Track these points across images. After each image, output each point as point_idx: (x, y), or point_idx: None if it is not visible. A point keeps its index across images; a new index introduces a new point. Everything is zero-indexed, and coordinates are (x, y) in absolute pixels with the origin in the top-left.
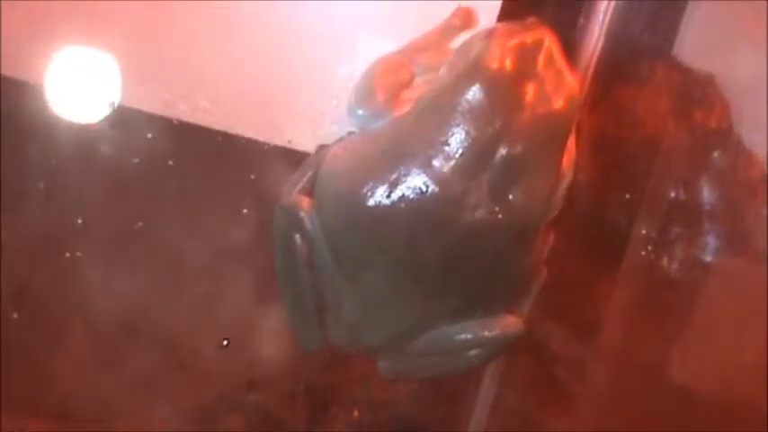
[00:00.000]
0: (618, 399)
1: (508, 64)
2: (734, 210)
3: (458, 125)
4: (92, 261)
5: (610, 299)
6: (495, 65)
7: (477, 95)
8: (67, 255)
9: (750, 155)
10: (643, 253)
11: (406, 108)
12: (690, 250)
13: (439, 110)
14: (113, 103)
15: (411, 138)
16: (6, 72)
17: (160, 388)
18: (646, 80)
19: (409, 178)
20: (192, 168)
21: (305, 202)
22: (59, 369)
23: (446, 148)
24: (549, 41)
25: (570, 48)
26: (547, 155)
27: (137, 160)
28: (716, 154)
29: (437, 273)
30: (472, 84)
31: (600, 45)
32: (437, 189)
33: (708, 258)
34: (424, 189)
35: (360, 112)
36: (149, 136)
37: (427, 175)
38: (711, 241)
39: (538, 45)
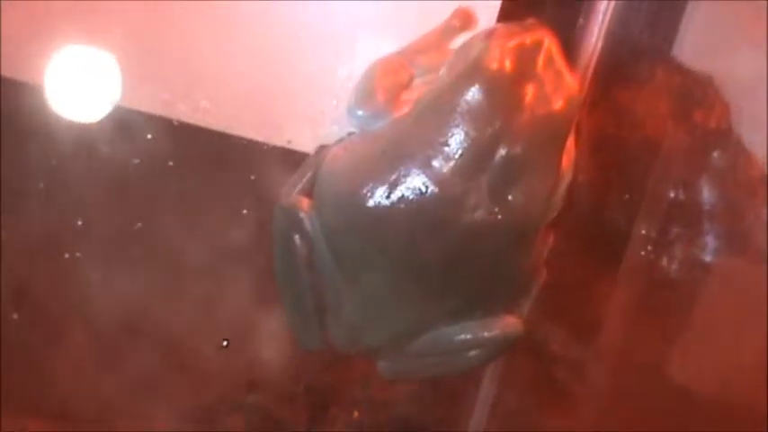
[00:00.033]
0: (618, 399)
1: (508, 65)
2: (733, 210)
3: (457, 126)
4: (92, 261)
5: (609, 299)
6: (494, 66)
7: (477, 96)
8: (67, 255)
9: (750, 155)
10: (643, 253)
11: (406, 109)
12: (689, 250)
13: (438, 111)
14: (113, 103)
15: (411, 138)
16: (6, 72)
17: (160, 388)
18: (645, 81)
19: (409, 179)
20: (192, 169)
21: (305, 202)
22: (59, 369)
23: (446, 148)
24: (549, 42)
25: (570, 48)
26: (546, 155)
27: (137, 161)
28: (715, 154)
29: (437, 273)
30: (472, 84)
31: (599, 45)
32: (437, 190)
33: (707, 258)
34: (424, 190)
35: (359, 112)
36: (149, 136)
37: (427, 176)
38: (711, 241)
39: (537, 46)
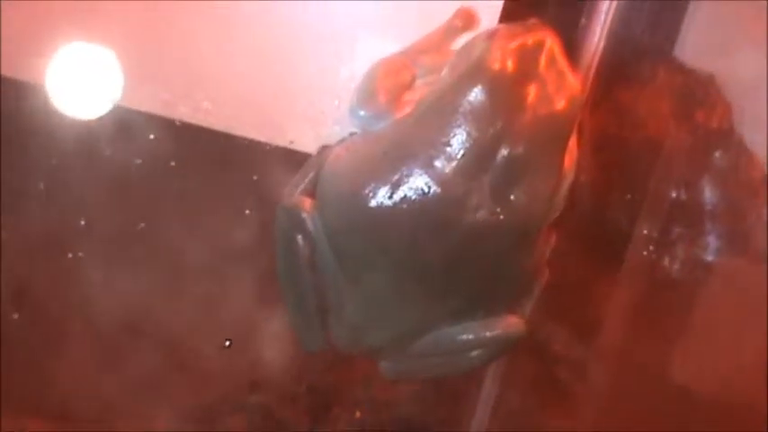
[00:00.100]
0: (619, 399)
1: (510, 65)
2: (735, 210)
3: (459, 126)
4: (93, 261)
5: (611, 299)
6: (496, 66)
7: (479, 96)
8: (69, 255)
9: (751, 155)
10: (644, 253)
11: (408, 109)
12: (691, 250)
13: (441, 111)
14: (114, 101)
15: (413, 139)
16: (7, 72)
17: (162, 388)
18: (647, 81)
19: (411, 179)
20: (194, 169)
21: (307, 203)
22: (60, 369)
23: (448, 149)
24: (551, 42)
25: (572, 48)
26: (548, 155)
27: (139, 161)
28: (717, 154)
29: (439, 273)
30: (474, 85)
31: (601, 45)
32: (439, 190)
33: (709, 258)
34: (426, 190)
35: (361, 113)
36: (151, 137)
37: (429, 176)
38: (712, 241)
39: (539, 46)
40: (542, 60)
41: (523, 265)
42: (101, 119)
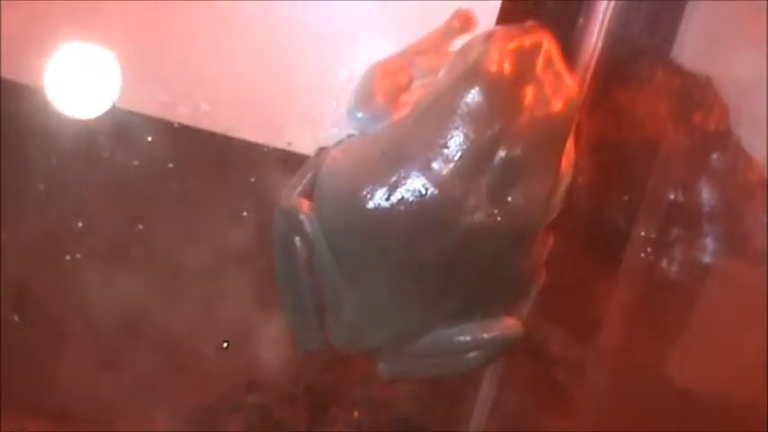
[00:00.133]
0: (617, 400)
1: (507, 67)
2: (733, 211)
3: (457, 128)
4: (92, 263)
5: (609, 300)
6: (494, 68)
7: (476, 98)
8: (68, 257)
9: (749, 157)
10: (642, 254)
11: (406, 111)
12: (689, 252)
13: (438, 113)
14: (113, 100)
15: (410, 140)
16: (6, 74)
17: (160, 389)
18: (645, 82)
19: (408, 181)
20: (192, 171)
21: (305, 204)
22: (60, 370)
23: (445, 150)
24: (548, 44)
25: (569, 49)
26: (546, 157)
27: (137, 163)
28: (715, 156)
29: (436, 275)
30: (471, 87)
31: (599, 46)
32: (436, 191)
33: (707, 260)
34: (424, 192)
35: (359, 114)
36: (149, 139)
37: (426, 178)
38: (710, 243)
39: (537, 48)
40: (540, 62)
41: (521, 267)
42: (99, 121)
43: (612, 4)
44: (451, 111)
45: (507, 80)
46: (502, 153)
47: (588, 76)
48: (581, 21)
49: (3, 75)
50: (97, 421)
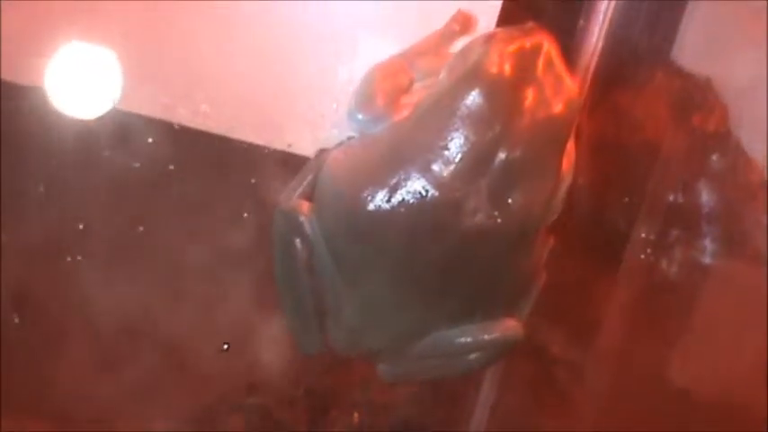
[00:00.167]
0: (617, 401)
1: (507, 69)
2: (732, 212)
3: (457, 130)
4: (92, 265)
5: (609, 301)
6: (494, 69)
7: (477, 100)
8: (68, 258)
9: (749, 158)
10: (642, 256)
11: (406, 113)
12: (689, 253)
13: (438, 114)
14: (114, 100)
15: (410, 142)
16: (6, 76)
17: (161, 391)
18: (645, 83)
19: (409, 183)
20: (193, 172)
21: (305, 206)
22: (60, 372)
23: (445, 152)
24: (548, 46)
25: (569, 51)
26: (546, 159)
27: (137, 164)
28: (714, 157)
29: (437, 276)
30: (471, 88)
31: (599, 48)
32: (437, 193)
33: (707, 261)
34: (424, 193)
35: (359, 116)
36: (150, 140)
37: (427, 180)
38: (710, 244)
39: (537, 50)
40: (540, 64)
41: (521, 268)
42: (100, 122)
43: (612, 5)
44: (452, 112)
45: (507, 82)
46: (502, 155)
47: (588, 78)
48: (581, 22)
49: (3, 76)
50: (97, 422)
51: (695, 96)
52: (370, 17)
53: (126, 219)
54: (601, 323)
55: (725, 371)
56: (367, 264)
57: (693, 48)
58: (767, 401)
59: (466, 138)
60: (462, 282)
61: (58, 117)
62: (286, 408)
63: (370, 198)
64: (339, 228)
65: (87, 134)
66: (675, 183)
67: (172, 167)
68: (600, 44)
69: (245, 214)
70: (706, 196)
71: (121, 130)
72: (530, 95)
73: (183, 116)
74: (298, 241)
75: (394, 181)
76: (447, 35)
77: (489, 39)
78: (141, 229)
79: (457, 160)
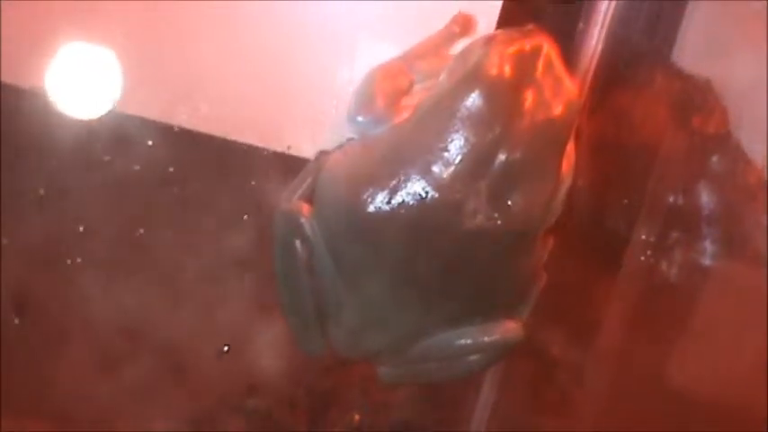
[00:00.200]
0: (617, 402)
1: (507, 70)
2: (732, 214)
3: (457, 131)
4: (92, 267)
5: (609, 303)
6: (494, 71)
7: (477, 102)
8: (68, 261)
9: (748, 160)
10: (642, 258)
11: (406, 114)
12: (688, 255)
13: (438, 116)
14: (114, 100)
15: (410, 144)
16: (6, 78)
17: (161, 392)
18: (645, 85)
19: (409, 184)
20: (193, 175)
21: (305, 208)
22: (60, 373)
23: (445, 154)
24: (548, 48)
25: (569, 53)
26: (546, 160)
27: (137, 167)
28: (714, 159)
29: (437, 278)
30: (471, 90)
31: (599, 50)
32: (436, 195)
33: (706, 263)
34: (424, 195)
35: (359, 118)
36: (149, 143)
37: (427, 182)
38: (710, 246)
39: (537, 51)
40: (540, 65)
41: (521, 270)
42: (100, 125)
43: (612, 7)
44: (452, 114)
45: (507, 84)
46: (502, 156)
47: (588, 80)
48: (581, 24)
49: (3, 77)
50: (97, 422)
51: (695, 98)
52: (369, 19)
53: (126, 221)
54: (601, 324)
55: (725, 372)
56: (367, 265)
57: (693, 49)
58: (767, 402)
59: (466, 139)
60: (462, 283)
61: (59, 119)
62: (286, 409)
63: (370, 199)
64: (339, 229)
65: (87, 136)
66: (675, 184)
67: (171, 170)
68: (600, 46)
69: (245, 216)
70: (706, 198)
71: (121, 132)
72: (529, 97)
73: (183, 118)
74: (298, 243)
75: (394, 182)
76: (447, 37)
77: (489, 41)
78: (141, 231)
79: (457, 162)
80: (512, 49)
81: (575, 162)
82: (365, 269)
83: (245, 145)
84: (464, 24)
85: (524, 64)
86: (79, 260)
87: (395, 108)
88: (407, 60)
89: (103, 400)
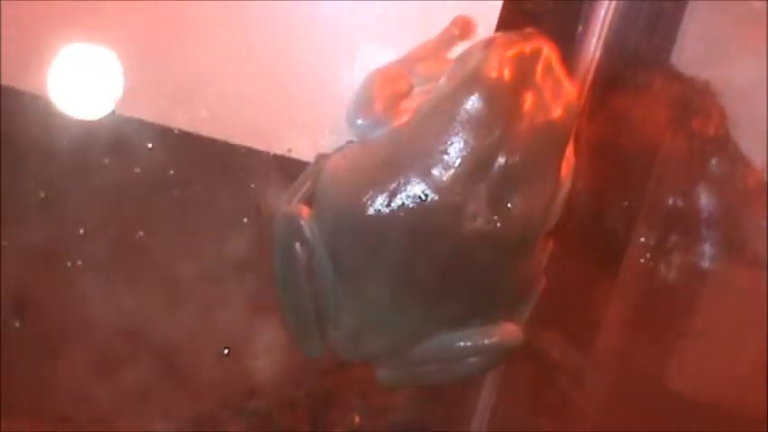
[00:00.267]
0: (617, 403)
1: (506, 73)
2: (732, 217)
3: (457, 134)
4: (93, 270)
5: (608, 305)
6: (493, 74)
7: (476, 105)
8: (68, 263)
9: (748, 162)
10: (641, 260)
11: (405, 118)
12: (688, 257)
13: (438, 119)
14: (115, 100)
15: (410, 147)
16: (6, 81)
17: (160, 395)
18: (644, 88)
19: (408, 187)
20: (193, 178)
21: (305, 210)
22: (60, 375)
23: (445, 157)
24: (548, 51)
25: (569, 56)
26: (545, 163)
27: (137, 169)
28: (713, 161)
29: (436, 280)
30: (471, 93)
31: (598, 53)
32: (436, 198)
33: (706, 265)
34: (424, 198)
35: (359, 121)
36: (150, 145)
37: (426, 185)
38: (709, 248)
39: (536, 54)
40: (539, 69)
41: (521, 273)
42: (100, 127)
43: (612, 10)
44: (451, 117)
45: (507, 87)
46: (501, 159)
47: (587, 83)
48: (580, 27)
49: (3, 79)
50: (97, 423)
51: (694, 100)
52: (369, 22)
53: (126, 223)
54: (600, 326)
55: (724, 373)
56: (366, 268)
57: (692, 52)
58: (767, 404)
59: (465, 142)
60: (462, 286)
61: (59, 121)
62: (287, 410)
63: (369, 202)
64: (339, 232)
65: (87, 139)
66: (675, 186)
67: (172, 172)
68: (599, 49)
69: (245, 219)
70: (705, 200)
71: (121, 134)
72: (529, 100)
73: (183, 121)
74: (297, 245)
75: (394, 185)
76: (446, 40)
77: (489, 44)
78: (141, 233)
79: (456, 165)
80: (511, 52)
81: (574, 164)
82: (365, 272)
83: (245, 148)
84: (463, 27)
85: (524, 67)
86: (79, 262)
87: (394, 111)
88: (407, 63)
89: (103, 402)
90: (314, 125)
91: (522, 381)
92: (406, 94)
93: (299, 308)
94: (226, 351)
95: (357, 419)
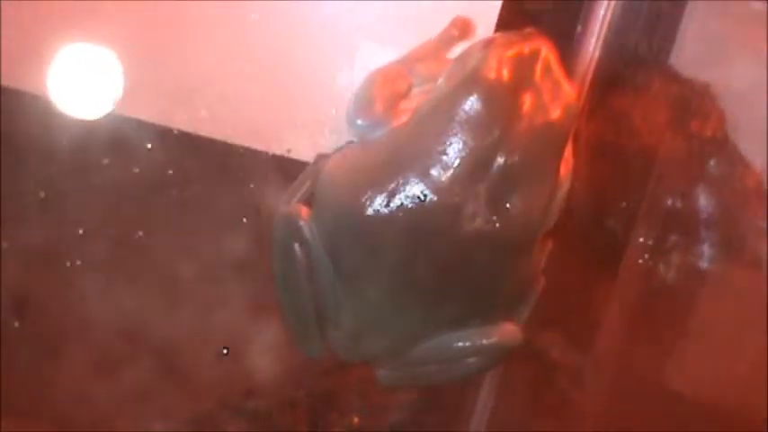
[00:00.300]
0: (616, 404)
1: (506, 74)
2: (730, 218)
3: (456, 135)
4: (92, 270)
5: (608, 306)
6: (492, 75)
7: (475, 105)
8: (68, 263)
9: (746, 163)
10: (640, 261)
11: (405, 118)
12: (686, 258)
13: (437, 120)
14: (115, 100)
15: (409, 147)
16: (6, 81)
17: (160, 395)
18: (643, 89)
19: (407, 188)
20: (192, 178)
21: (304, 211)
22: (60, 376)
23: (444, 157)
24: (547, 51)
25: (568, 57)
26: (544, 164)
27: (137, 170)
28: (712, 162)
29: (435, 281)
30: (470, 94)
31: (597, 54)
32: (435, 198)
33: (704, 266)
34: (423, 198)
35: (358, 121)
36: (149, 146)
37: (425, 185)
38: (708, 249)
39: (535, 55)
40: (538, 69)
41: (520, 273)
42: (99, 127)
43: (611, 12)
44: (450, 118)
45: (506, 87)
46: (500, 160)
47: (587, 83)
48: (579, 28)
49: (2, 79)
50: (97, 423)
51: (693, 102)
52: (369, 22)
53: (125, 223)
54: (600, 326)
55: (724, 373)
56: (366, 268)
57: (691, 53)
58: (767, 404)
59: (464, 143)
60: (461, 286)
61: (59, 121)
62: (287, 410)
63: (369, 202)
64: (338, 232)
65: (87, 138)
66: (673, 188)
67: (171, 172)
68: (598, 49)
69: (244, 219)
70: (704, 201)
71: (121, 135)
72: (528, 101)
73: (183, 121)
74: (297, 246)
75: (393, 185)
76: (446, 40)
77: (488, 44)
78: (140, 233)
79: (455, 165)
80: (510, 53)
81: (573, 165)
82: (364, 272)
83: (245, 148)
84: (463, 28)
85: (523, 67)
86: (79, 262)
87: (394, 111)
88: (406, 64)
89: (103, 402)
90: (314, 125)
91: (521, 381)
92: (406, 94)
93: (299, 308)
94: (225, 351)
95: (356, 420)
